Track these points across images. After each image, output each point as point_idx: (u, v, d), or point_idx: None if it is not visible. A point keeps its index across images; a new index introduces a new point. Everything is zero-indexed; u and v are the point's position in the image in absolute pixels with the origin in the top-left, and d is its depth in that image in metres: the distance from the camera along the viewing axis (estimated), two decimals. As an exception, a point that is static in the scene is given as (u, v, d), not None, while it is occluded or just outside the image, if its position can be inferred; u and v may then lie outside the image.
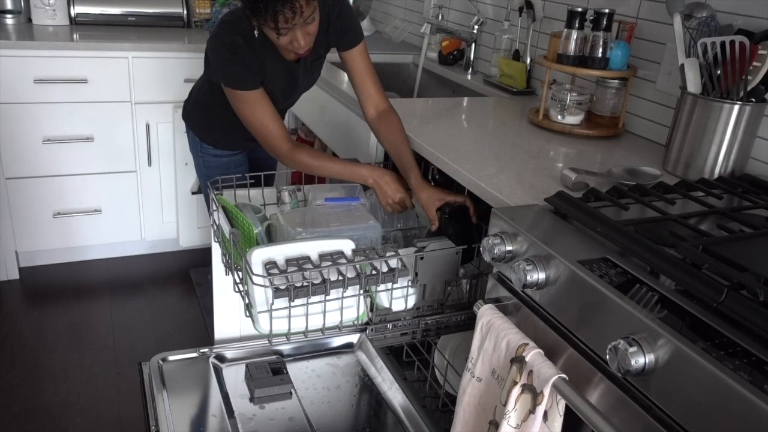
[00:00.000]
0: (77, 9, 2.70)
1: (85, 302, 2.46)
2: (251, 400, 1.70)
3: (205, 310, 2.42)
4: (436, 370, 1.68)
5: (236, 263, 1.41)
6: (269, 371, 1.75)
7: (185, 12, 2.91)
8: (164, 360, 1.77)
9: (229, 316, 1.83)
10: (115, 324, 2.34)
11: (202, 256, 2.79)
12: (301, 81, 1.79)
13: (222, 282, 1.76)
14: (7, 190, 2.44)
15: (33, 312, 2.38)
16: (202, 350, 1.81)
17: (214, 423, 1.60)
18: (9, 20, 2.60)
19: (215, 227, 1.67)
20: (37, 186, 2.49)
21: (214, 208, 1.60)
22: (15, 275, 2.58)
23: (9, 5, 2.59)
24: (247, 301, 1.39)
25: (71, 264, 2.70)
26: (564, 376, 0.95)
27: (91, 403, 1.96)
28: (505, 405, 1.03)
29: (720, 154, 1.38)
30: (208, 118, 1.86)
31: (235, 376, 1.77)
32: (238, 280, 1.44)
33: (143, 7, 2.81)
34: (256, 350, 1.84)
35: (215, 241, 1.71)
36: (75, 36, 2.49)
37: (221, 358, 1.82)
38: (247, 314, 1.39)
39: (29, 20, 2.66)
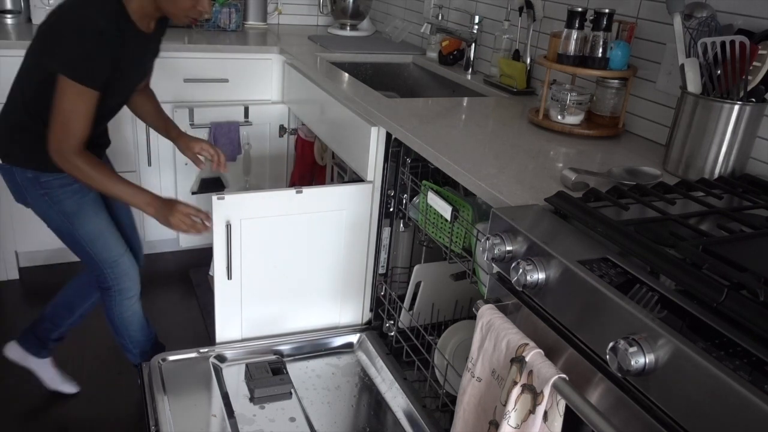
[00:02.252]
0: (77, 9, 2.70)
1: (85, 302, 2.46)
2: (251, 400, 1.70)
3: (205, 310, 2.42)
4: (436, 370, 1.68)
5: (456, 238, 1.61)
6: (269, 371, 1.75)
7: (185, 12, 2.91)
8: (164, 360, 1.77)
9: (229, 316, 1.83)
10: (115, 324, 2.34)
11: (202, 256, 2.79)
12: (149, 58, 1.71)
13: (222, 282, 1.77)
14: (7, 190, 2.44)
15: (33, 312, 2.38)
16: (201, 350, 1.81)
17: (215, 423, 1.60)
18: (9, 20, 2.60)
19: (408, 217, 1.79)
20: (37, 186, 2.49)
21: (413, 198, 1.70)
22: (15, 275, 2.58)
23: (9, 5, 2.59)
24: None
25: (71, 264, 2.70)
26: (564, 376, 0.95)
27: (91, 403, 1.96)
28: (505, 405, 1.03)
29: (720, 154, 1.38)
30: (38, 134, 1.52)
31: (235, 376, 1.78)
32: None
33: (143, 7, 2.81)
34: (256, 350, 1.84)
35: (407, 227, 1.85)
36: (75, 36, 2.49)
37: (221, 358, 1.82)
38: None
39: (29, 20, 2.66)
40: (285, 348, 1.88)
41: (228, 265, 1.74)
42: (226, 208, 1.67)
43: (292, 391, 1.73)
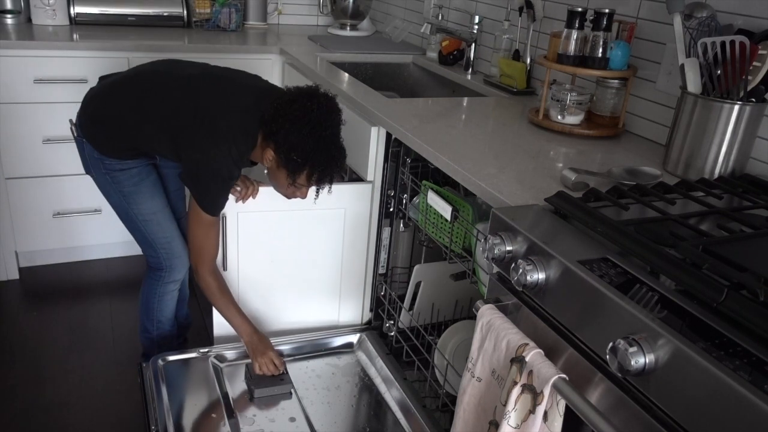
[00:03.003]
0: (77, 9, 2.70)
1: (85, 302, 2.46)
2: (251, 399, 1.70)
3: (205, 310, 2.42)
4: (436, 370, 1.68)
5: (456, 238, 1.64)
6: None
7: (185, 12, 2.91)
8: (164, 360, 1.77)
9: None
10: (115, 324, 2.34)
11: (202, 256, 2.78)
12: None
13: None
14: (7, 190, 2.44)
15: (33, 312, 2.38)
16: (202, 350, 1.81)
17: (215, 423, 1.60)
18: (9, 20, 2.60)
19: (408, 217, 1.82)
20: (37, 186, 2.49)
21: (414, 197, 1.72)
22: (15, 275, 2.58)
23: (9, 5, 2.59)
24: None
25: (71, 264, 2.70)
26: (564, 376, 0.95)
27: (91, 403, 1.96)
28: (505, 405, 1.03)
29: (720, 154, 1.38)
30: (112, 131, 1.66)
31: (235, 376, 1.78)
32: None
33: (143, 7, 2.81)
34: None
35: (407, 227, 1.90)
36: (75, 36, 2.49)
37: (221, 358, 1.82)
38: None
39: (29, 20, 2.66)
40: (285, 348, 1.88)
41: (223, 255, 1.77)
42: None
43: (292, 391, 1.73)
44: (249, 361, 1.76)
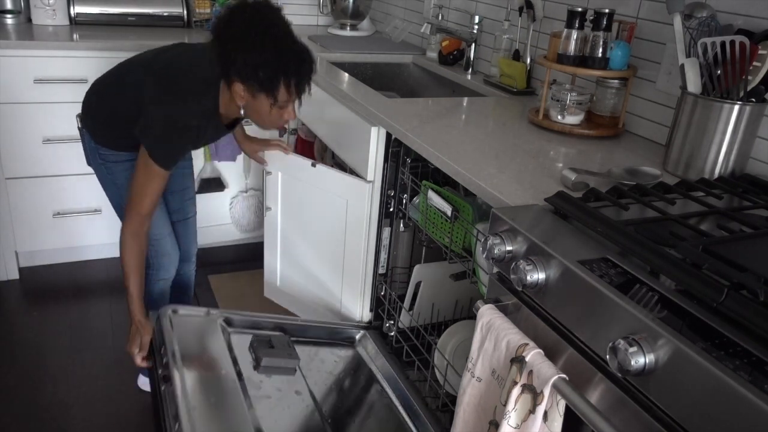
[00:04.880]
0: (77, 9, 2.70)
1: (85, 302, 2.46)
2: (256, 368, 1.68)
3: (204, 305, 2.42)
4: (436, 370, 1.68)
5: (456, 238, 1.65)
6: (277, 345, 1.72)
7: (185, 12, 2.91)
8: (175, 312, 1.75)
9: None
10: (115, 324, 2.34)
11: (201, 256, 2.79)
12: (217, 138, 1.82)
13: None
14: (7, 190, 2.44)
15: (33, 312, 2.38)
16: (212, 311, 1.80)
17: (224, 380, 1.57)
18: (9, 20, 2.60)
19: (408, 217, 1.84)
20: (37, 186, 2.49)
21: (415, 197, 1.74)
22: (15, 275, 2.58)
23: (9, 5, 2.59)
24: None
25: (71, 264, 2.70)
26: (564, 376, 0.95)
27: (91, 403, 1.96)
28: (505, 405, 1.03)
29: (720, 154, 1.38)
30: (105, 121, 1.74)
31: (240, 344, 1.75)
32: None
33: (143, 7, 2.81)
34: (262, 323, 1.83)
35: (407, 227, 1.95)
36: (75, 36, 2.49)
37: (228, 322, 1.80)
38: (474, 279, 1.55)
39: (29, 20, 2.66)
40: (289, 328, 1.87)
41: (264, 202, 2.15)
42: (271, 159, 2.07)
43: (297, 367, 1.71)
44: (257, 332, 1.74)
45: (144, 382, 2.00)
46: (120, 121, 1.67)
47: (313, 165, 1.97)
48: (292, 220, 2.12)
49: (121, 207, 1.74)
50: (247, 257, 2.82)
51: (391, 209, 1.91)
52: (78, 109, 2.43)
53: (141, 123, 1.57)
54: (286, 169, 2.06)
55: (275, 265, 2.24)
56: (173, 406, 1.43)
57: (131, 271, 1.67)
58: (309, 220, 2.07)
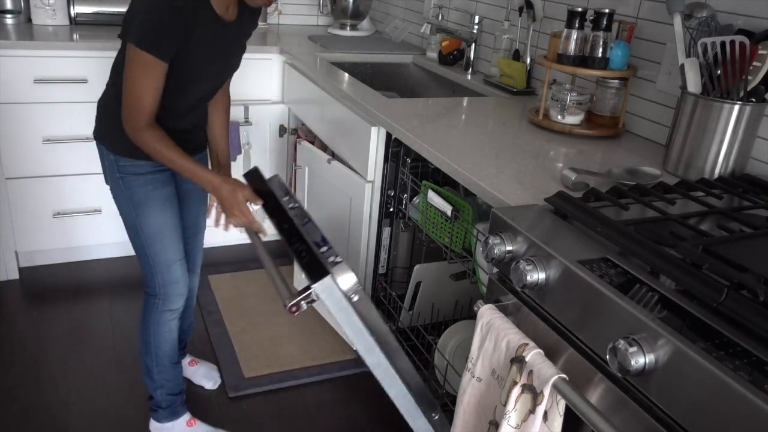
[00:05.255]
0: (77, 9, 2.70)
1: (85, 302, 2.46)
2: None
3: (205, 310, 2.42)
4: (436, 370, 1.68)
5: (456, 238, 1.64)
6: None
7: (185, 12, 2.91)
8: None
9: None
10: (115, 324, 2.34)
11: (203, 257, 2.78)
12: (234, 51, 1.63)
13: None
14: (7, 190, 2.44)
15: (33, 312, 2.38)
16: None
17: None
18: (9, 20, 2.60)
19: (408, 217, 1.83)
20: (37, 186, 2.48)
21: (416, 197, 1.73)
22: (15, 275, 2.58)
23: (9, 5, 2.59)
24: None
25: (71, 264, 2.70)
26: (564, 376, 0.95)
27: (91, 403, 1.96)
28: (505, 405, 1.03)
29: (720, 154, 1.38)
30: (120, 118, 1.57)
31: None
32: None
33: (143, 7, 2.81)
34: None
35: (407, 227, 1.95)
36: (75, 36, 2.49)
37: None
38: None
39: (29, 20, 2.66)
40: None
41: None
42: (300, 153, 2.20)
43: None
44: None
45: (157, 428, 1.85)
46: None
47: (329, 161, 2.03)
48: (311, 213, 2.15)
49: (135, 230, 1.65)
50: (247, 257, 2.82)
51: (391, 209, 1.91)
52: (78, 109, 2.45)
53: (125, 28, 1.45)
54: (311, 163, 2.18)
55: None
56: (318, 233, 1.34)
57: (170, 155, 1.50)
58: (324, 215, 2.14)
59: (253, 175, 1.56)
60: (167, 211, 1.64)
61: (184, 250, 1.74)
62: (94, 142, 1.66)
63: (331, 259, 1.21)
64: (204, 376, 2.05)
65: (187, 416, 1.83)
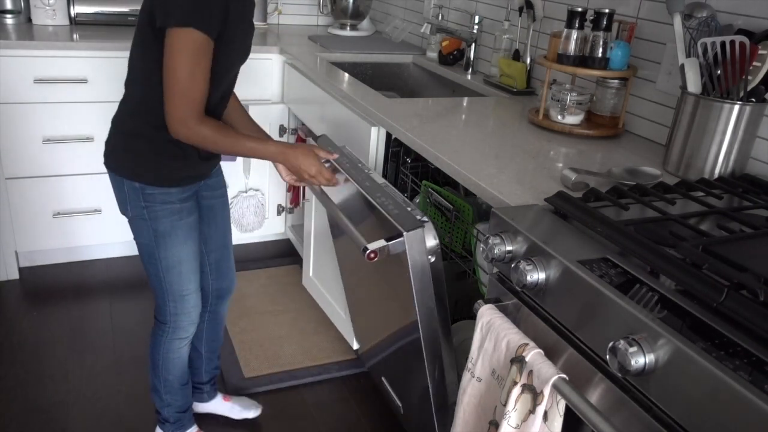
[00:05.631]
0: (77, 9, 2.70)
1: (85, 302, 2.46)
2: None
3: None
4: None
5: (456, 238, 1.65)
6: None
7: (185, 12, 2.91)
8: None
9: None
10: (115, 324, 2.34)
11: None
12: (251, 29, 1.53)
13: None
14: (7, 190, 2.44)
15: (33, 312, 2.38)
16: None
17: None
18: (9, 20, 2.60)
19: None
20: (37, 186, 2.48)
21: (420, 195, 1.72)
22: (15, 275, 2.58)
23: (9, 5, 2.59)
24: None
25: (71, 264, 2.70)
26: (564, 376, 0.95)
27: (91, 403, 1.96)
28: (505, 405, 1.03)
29: (720, 154, 1.38)
30: (151, 138, 1.45)
31: None
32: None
33: (143, 7, 2.81)
34: None
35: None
36: (75, 36, 2.49)
37: None
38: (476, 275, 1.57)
39: (29, 20, 2.66)
40: None
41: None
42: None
43: None
44: None
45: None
46: (157, 103, 1.38)
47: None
48: (322, 210, 2.17)
49: (152, 258, 1.54)
50: (247, 257, 2.83)
51: (391, 209, 1.91)
52: (78, 109, 2.45)
53: (158, 15, 1.32)
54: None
55: (309, 255, 2.37)
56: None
57: (232, 141, 1.41)
58: (324, 214, 2.12)
59: (324, 140, 1.61)
60: (189, 240, 1.55)
61: (216, 273, 1.70)
62: (108, 173, 1.52)
63: (419, 217, 1.27)
64: (244, 408, 1.94)
65: (194, 429, 1.80)
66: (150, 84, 1.39)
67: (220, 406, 1.92)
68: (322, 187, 1.54)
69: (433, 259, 1.26)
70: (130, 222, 1.54)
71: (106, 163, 1.50)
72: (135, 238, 1.56)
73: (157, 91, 1.37)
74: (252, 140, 1.46)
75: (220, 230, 1.71)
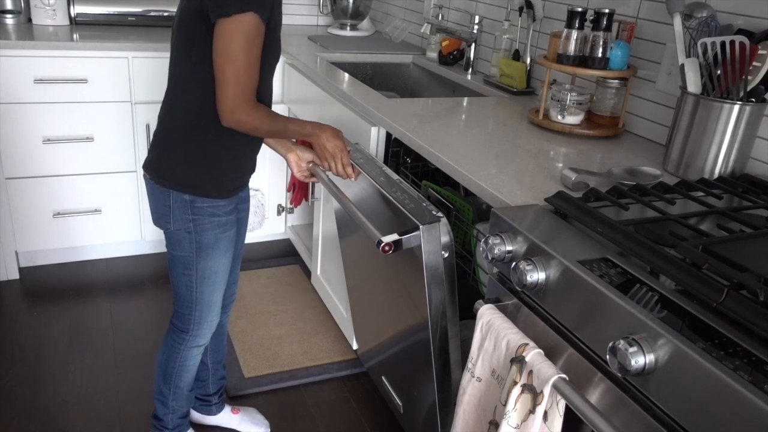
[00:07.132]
0: (77, 9, 2.70)
1: (85, 302, 2.46)
2: None
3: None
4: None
5: (456, 238, 1.63)
6: None
7: (185, 12, 2.91)
8: None
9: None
10: (115, 324, 2.34)
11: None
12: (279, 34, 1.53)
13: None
14: (7, 190, 2.44)
15: (33, 312, 2.38)
16: None
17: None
18: (9, 20, 2.60)
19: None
20: (37, 186, 2.48)
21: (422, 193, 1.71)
22: (15, 275, 2.58)
23: (9, 5, 2.59)
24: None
25: (71, 264, 2.70)
26: (564, 376, 0.95)
27: (91, 403, 1.96)
28: (505, 405, 1.03)
29: (720, 154, 1.38)
30: (202, 148, 1.43)
31: None
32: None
33: (143, 7, 2.81)
34: None
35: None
36: (75, 36, 2.49)
37: None
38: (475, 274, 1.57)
39: (29, 20, 2.66)
40: None
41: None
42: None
43: None
44: None
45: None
46: (211, 107, 1.37)
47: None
48: (327, 210, 2.19)
49: (188, 269, 1.51)
50: (247, 257, 2.83)
51: (391, 209, 1.91)
52: (78, 109, 2.45)
53: (215, 6, 1.29)
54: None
55: (317, 253, 2.38)
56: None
57: (282, 122, 1.43)
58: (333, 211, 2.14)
59: None
60: (228, 253, 1.55)
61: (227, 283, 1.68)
62: (156, 185, 1.46)
63: (434, 212, 1.29)
64: (253, 422, 1.91)
65: None
66: (205, 88, 1.37)
67: (228, 418, 1.91)
68: (335, 182, 1.55)
69: (446, 255, 1.28)
70: (170, 234, 1.50)
71: (153, 177, 1.46)
72: (170, 250, 1.52)
73: (212, 92, 1.36)
74: (292, 122, 1.49)
75: (241, 241, 1.71)
